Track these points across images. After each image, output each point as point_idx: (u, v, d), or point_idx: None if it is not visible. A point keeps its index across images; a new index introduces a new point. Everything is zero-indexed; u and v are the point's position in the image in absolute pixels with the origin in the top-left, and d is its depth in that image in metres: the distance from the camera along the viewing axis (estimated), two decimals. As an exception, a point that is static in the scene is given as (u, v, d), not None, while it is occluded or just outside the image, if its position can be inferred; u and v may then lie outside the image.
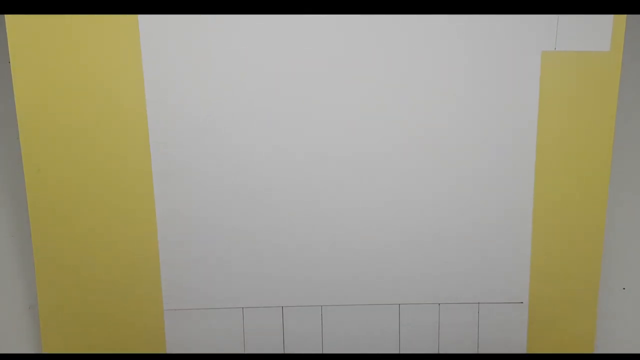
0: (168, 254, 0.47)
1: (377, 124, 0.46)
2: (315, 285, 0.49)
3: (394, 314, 0.49)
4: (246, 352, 0.49)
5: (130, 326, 0.48)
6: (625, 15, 0.44)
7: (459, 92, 0.46)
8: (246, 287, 0.48)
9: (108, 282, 0.48)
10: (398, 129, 0.46)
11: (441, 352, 0.50)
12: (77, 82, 0.44)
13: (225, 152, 0.46)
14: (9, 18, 0.43)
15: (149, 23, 0.44)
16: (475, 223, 0.48)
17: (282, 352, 0.49)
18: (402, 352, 0.50)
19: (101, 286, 0.48)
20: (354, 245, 0.48)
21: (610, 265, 0.51)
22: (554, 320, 0.49)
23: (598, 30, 0.45)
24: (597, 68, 0.45)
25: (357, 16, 0.44)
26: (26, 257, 0.49)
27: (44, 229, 0.46)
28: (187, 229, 0.47)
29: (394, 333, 0.50)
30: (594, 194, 0.47)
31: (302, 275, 0.48)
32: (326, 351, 0.50)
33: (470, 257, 0.48)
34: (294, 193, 0.47)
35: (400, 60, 0.45)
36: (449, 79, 0.45)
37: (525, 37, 0.45)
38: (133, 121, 0.45)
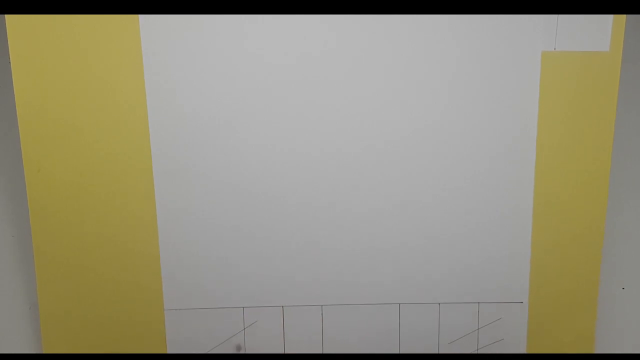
0: (168, 253, 0.47)
1: (378, 126, 0.46)
2: (315, 285, 0.49)
3: (394, 314, 0.49)
4: (246, 352, 0.49)
5: (130, 326, 0.48)
6: (624, 16, 0.44)
7: (460, 92, 0.46)
8: (246, 287, 0.48)
9: (108, 282, 0.48)
10: (399, 131, 0.46)
11: (441, 352, 0.50)
12: (77, 82, 0.44)
13: (225, 152, 0.46)
14: (9, 18, 0.43)
15: (149, 23, 0.44)
16: (476, 223, 0.48)
17: (282, 352, 0.49)
18: (402, 352, 0.50)
19: (101, 286, 0.48)
20: (354, 246, 0.48)
21: (609, 265, 0.51)
22: (553, 320, 0.49)
23: (598, 31, 0.45)
24: (597, 68, 0.45)
25: (358, 16, 0.44)
26: (26, 257, 0.49)
27: (44, 229, 0.46)
28: (188, 228, 0.47)
29: (394, 333, 0.50)
30: (594, 193, 0.47)
31: (302, 275, 0.48)
32: (326, 351, 0.50)
33: (470, 258, 0.48)
34: (294, 194, 0.47)
35: (401, 62, 0.45)
36: (450, 80, 0.45)
37: (525, 37, 0.45)
38: (134, 121, 0.45)
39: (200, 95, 0.45)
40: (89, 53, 0.44)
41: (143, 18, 0.44)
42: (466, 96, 0.46)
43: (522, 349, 0.50)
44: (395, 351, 0.50)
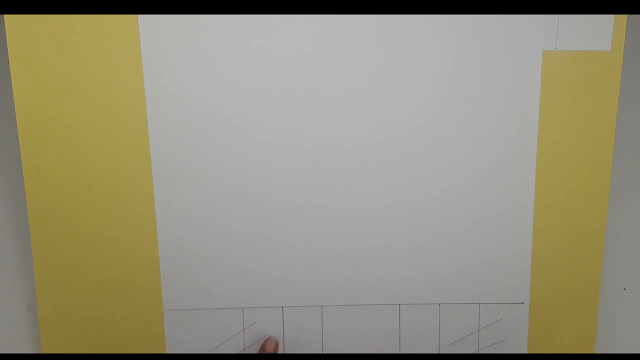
0: (168, 254, 0.47)
1: (376, 124, 0.46)
2: (315, 285, 0.49)
3: (394, 314, 0.49)
4: (246, 352, 0.49)
5: (130, 326, 0.48)
6: (626, 15, 0.44)
7: (459, 91, 0.46)
8: (246, 287, 0.48)
9: (108, 282, 0.48)
10: (398, 129, 0.46)
11: (441, 352, 0.50)
12: (76, 82, 0.44)
13: (225, 151, 0.46)
14: (8, 18, 0.43)
15: (149, 23, 0.44)
16: (476, 223, 0.48)
17: (282, 352, 0.49)
18: (402, 352, 0.50)
19: (101, 286, 0.48)
20: (354, 245, 0.48)
21: (610, 265, 0.51)
22: (554, 321, 0.49)
23: (599, 30, 0.45)
24: (598, 67, 0.45)
25: (358, 17, 0.44)
26: (25, 257, 0.49)
27: (43, 229, 0.46)
28: (187, 229, 0.47)
29: (394, 333, 0.50)
30: (595, 193, 0.47)
31: (302, 275, 0.48)
32: (326, 351, 0.50)
33: (470, 257, 0.48)
34: (293, 193, 0.47)
35: (401, 60, 0.45)
36: (450, 79, 0.45)
37: (526, 37, 0.45)
38: (133, 121, 0.45)
39: (199, 96, 0.45)
40: (89, 53, 0.44)
41: (142, 18, 0.44)
42: (466, 96, 0.46)
43: (523, 350, 0.50)
44: (396, 352, 0.50)
